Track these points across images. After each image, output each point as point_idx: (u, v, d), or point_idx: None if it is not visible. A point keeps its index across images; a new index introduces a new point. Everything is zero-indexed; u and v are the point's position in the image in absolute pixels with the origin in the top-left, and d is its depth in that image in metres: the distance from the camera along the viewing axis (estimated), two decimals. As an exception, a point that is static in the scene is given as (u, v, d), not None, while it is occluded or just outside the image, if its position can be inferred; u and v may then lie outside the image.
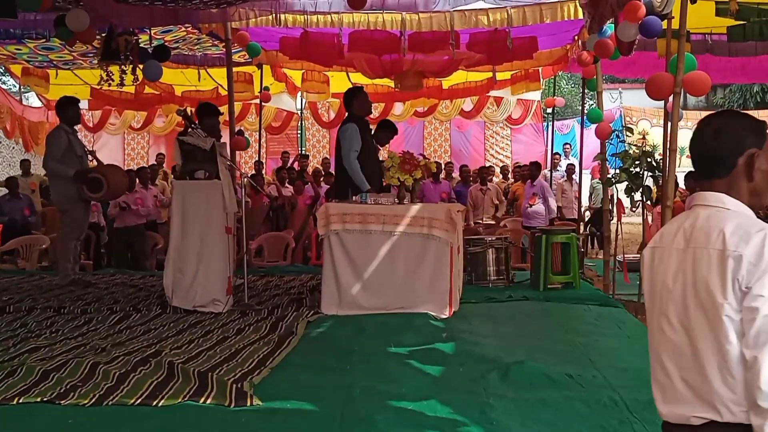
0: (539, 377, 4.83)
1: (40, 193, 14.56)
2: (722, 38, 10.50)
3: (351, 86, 8.90)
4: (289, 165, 16.09)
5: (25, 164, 15.42)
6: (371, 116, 9.30)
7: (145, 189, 11.97)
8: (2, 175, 16.68)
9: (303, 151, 19.81)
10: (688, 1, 6.81)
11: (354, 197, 7.51)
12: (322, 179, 14.23)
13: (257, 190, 11.54)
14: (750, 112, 5.66)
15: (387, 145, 8.44)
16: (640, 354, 5.71)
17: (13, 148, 17.12)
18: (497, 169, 18.40)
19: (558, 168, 16.56)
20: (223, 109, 13.19)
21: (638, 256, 12.95)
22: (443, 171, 15.29)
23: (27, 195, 13.43)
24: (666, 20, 7.62)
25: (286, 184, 14.22)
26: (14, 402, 4.42)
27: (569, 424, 4.05)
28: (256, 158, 16.42)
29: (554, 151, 17.03)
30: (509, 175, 17.22)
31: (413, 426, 3.99)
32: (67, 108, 9.15)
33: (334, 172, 8.72)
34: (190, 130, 7.73)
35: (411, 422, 4.06)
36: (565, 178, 16.01)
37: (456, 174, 16.50)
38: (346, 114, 8.40)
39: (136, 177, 12.04)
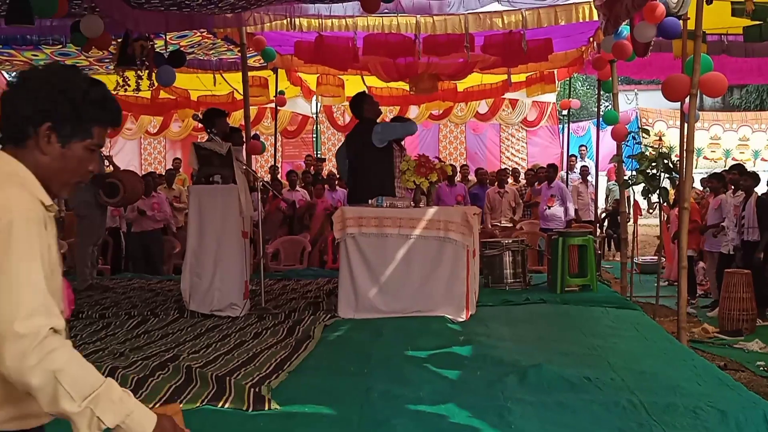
0: (557, 380, 4.81)
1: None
2: (738, 39, 10.45)
3: (355, 94, 8.90)
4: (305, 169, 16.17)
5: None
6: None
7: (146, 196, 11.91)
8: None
9: (318, 155, 19.83)
10: (704, 2, 6.79)
11: (370, 201, 7.52)
12: (336, 182, 14.26)
13: (275, 194, 11.56)
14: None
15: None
16: (658, 356, 5.71)
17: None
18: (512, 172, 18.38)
19: (574, 170, 16.54)
20: (239, 113, 13.30)
21: (655, 258, 12.96)
22: (458, 174, 15.29)
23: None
24: (682, 21, 7.59)
25: (298, 188, 14.26)
26: (33, 407, 4.42)
27: (588, 428, 4.03)
28: (272, 162, 16.45)
29: (570, 153, 17.01)
30: (520, 178, 17.18)
31: (431, 430, 3.98)
32: None
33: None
34: (209, 135, 7.79)
35: (429, 426, 4.05)
36: (581, 180, 15.98)
37: (472, 176, 16.49)
38: (358, 121, 8.42)
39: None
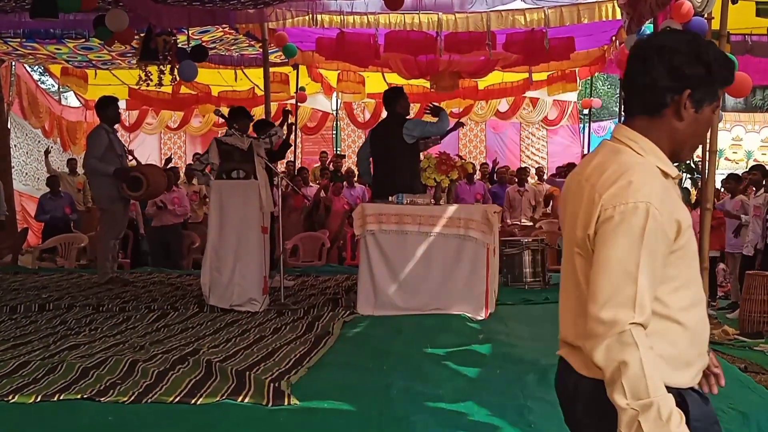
0: (577, 380, 4.79)
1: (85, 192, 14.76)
2: (762, 39, 10.37)
3: (391, 88, 8.88)
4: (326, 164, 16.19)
5: (71, 163, 15.61)
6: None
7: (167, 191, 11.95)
8: (33, 169, 16.90)
9: (338, 152, 19.84)
10: (729, 1, 6.74)
11: (390, 198, 7.52)
12: (355, 179, 14.28)
13: (295, 190, 11.57)
14: None
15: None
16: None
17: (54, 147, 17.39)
18: (532, 171, 18.33)
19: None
20: (260, 109, 13.33)
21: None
22: (478, 172, 15.26)
23: (68, 193, 13.61)
24: (706, 20, 7.53)
25: (311, 184, 14.28)
26: (55, 399, 4.46)
27: (608, 428, 4.01)
28: (291, 158, 16.46)
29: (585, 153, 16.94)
30: (545, 177, 17.13)
31: (451, 427, 3.98)
32: (107, 107, 9.23)
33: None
34: (231, 130, 7.84)
35: (448, 423, 4.04)
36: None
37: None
38: (386, 114, 8.42)
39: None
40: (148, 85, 11.31)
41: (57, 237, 12.23)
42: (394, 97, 8.36)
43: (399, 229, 7.22)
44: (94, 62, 14.26)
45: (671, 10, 7.38)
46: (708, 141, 7.09)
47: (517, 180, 14.48)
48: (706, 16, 7.44)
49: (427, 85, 13.98)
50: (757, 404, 4.31)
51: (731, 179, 11.15)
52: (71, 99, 21.01)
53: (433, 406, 4.35)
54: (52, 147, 16.70)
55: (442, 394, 4.59)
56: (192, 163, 9.25)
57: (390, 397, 4.51)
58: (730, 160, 21.77)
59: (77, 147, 17.66)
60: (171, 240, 11.94)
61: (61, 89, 20.46)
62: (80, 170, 15.55)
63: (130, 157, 9.46)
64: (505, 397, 4.52)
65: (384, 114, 8.67)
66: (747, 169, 12.65)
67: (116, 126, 9.63)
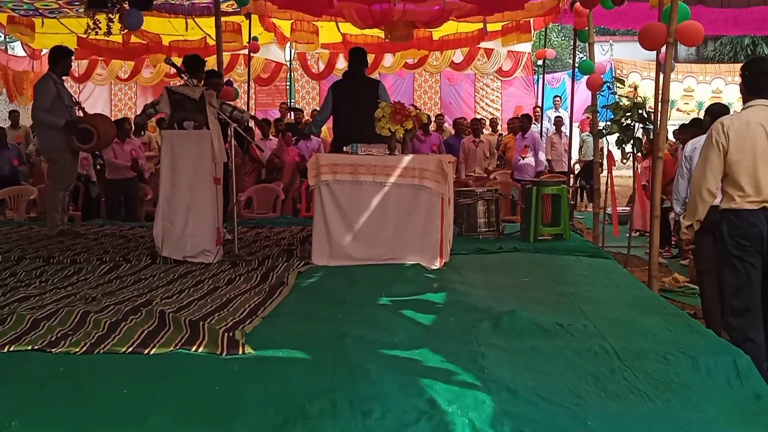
0: (530, 327, 4.84)
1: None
2: (715, -11, 10.43)
3: (357, 48, 9.05)
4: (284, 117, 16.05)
5: (13, 116, 15.29)
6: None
7: (122, 143, 11.77)
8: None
9: (293, 103, 19.67)
10: (683, -50, 6.74)
11: (345, 148, 7.48)
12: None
13: (248, 141, 11.44)
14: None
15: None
16: (630, 304, 5.75)
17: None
18: (487, 122, 18.38)
19: (540, 121, 16.59)
20: (212, 59, 13.12)
21: (627, 208, 13.03)
22: (433, 123, 15.25)
23: (15, 145, 13.36)
24: (660, -31, 7.54)
25: (271, 137, 14.16)
26: (5, 350, 4.40)
27: (560, 373, 4.06)
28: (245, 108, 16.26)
29: (538, 105, 17.03)
30: (498, 128, 17.18)
31: (405, 374, 3.99)
32: (62, 58, 9.03)
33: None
34: (185, 79, 7.72)
35: (403, 370, 4.06)
36: (555, 131, 16.01)
37: (448, 126, 16.46)
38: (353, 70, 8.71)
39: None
40: (96, 33, 11.05)
41: (6, 189, 12.02)
42: (362, 58, 8.71)
43: (354, 180, 7.19)
44: (41, 11, 13.91)
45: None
46: (660, 91, 7.14)
47: (471, 131, 14.49)
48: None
49: (382, 35, 13.87)
50: (707, 348, 4.38)
51: (684, 131, 11.25)
52: (17, 49, 20.53)
53: (388, 354, 4.37)
54: (-3, 98, 16.35)
55: (397, 342, 4.60)
56: (138, 115, 9.09)
57: (345, 346, 4.52)
58: (681, 111, 22.04)
59: (24, 98, 17.31)
60: (129, 192, 11.81)
61: (7, 39, 19.95)
62: (24, 122, 15.26)
63: (78, 108, 9.26)
64: (459, 344, 4.55)
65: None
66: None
67: (64, 77, 9.40)
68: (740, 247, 5.24)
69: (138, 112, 15.54)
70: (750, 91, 5.31)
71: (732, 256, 5.31)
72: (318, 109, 18.41)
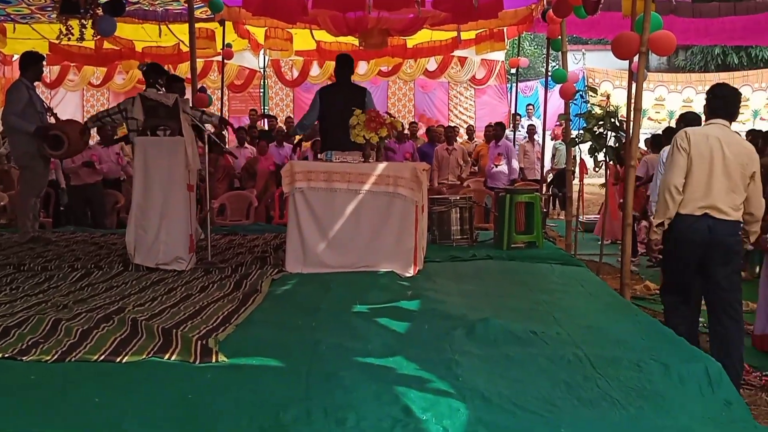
0: (504, 334, 4.86)
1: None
2: (686, -1, 10.54)
3: (345, 55, 9.01)
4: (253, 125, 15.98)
5: (-20, 121, 15.11)
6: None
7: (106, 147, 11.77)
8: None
9: (266, 110, 19.62)
10: (655, -39, 6.81)
11: (319, 155, 7.48)
12: (283, 139, 14.18)
13: (221, 148, 11.42)
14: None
15: None
16: (602, 312, 5.79)
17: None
18: (461, 130, 18.45)
19: (519, 129, 16.65)
20: (185, 65, 13.08)
21: (598, 217, 13.10)
22: (407, 131, 15.27)
23: (-15, 151, 13.21)
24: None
25: (246, 145, 14.13)
26: (-25, 358, 4.35)
27: (534, 380, 4.08)
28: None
29: (515, 112, 17.10)
30: (474, 136, 17.23)
31: (380, 381, 3.99)
32: (33, 65, 8.97)
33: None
34: (156, 88, 7.69)
35: (377, 378, 4.06)
36: (527, 139, 16.09)
37: (421, 134, 16.49)
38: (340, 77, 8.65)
39: (98, 135, 11.89)
40: (69, 39, 10.96)
41: (-25, 196, 11.91)
42: (350, 65, 8.67)
43: (328, 187, 7.18)
44: (12, 16, 13.77)
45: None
46: (633, 99, 7.20)
47: (445, 139, 14.52)
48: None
49: (356, 42, 13.86)
50: (678, 355, 4.42)
51: (655, 140, 11.37)
52: (-13, 54, 20.32)
53: (362, 362, 4.36)
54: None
55: (371, 349, 4.60)
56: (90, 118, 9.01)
57: (319, 354, 4.51)
58: (652, 119, 22.25)
59: (-6, 103, 17.13)
60: (92, 198, 11.72)
61: (-23, 44, 19.76)
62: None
63: (50, 114, 9.19)
64: (433, 352, 4.55)
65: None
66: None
67: (36, 83, 9.33)
68: (681, 248, 5.82)
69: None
70: (711, 112, 5.97)
71: (672, 255, 5.95)
72: (292, 116, 18.43)
